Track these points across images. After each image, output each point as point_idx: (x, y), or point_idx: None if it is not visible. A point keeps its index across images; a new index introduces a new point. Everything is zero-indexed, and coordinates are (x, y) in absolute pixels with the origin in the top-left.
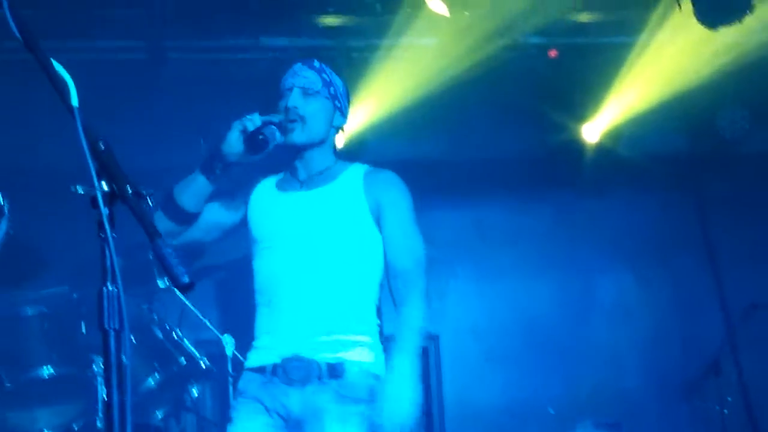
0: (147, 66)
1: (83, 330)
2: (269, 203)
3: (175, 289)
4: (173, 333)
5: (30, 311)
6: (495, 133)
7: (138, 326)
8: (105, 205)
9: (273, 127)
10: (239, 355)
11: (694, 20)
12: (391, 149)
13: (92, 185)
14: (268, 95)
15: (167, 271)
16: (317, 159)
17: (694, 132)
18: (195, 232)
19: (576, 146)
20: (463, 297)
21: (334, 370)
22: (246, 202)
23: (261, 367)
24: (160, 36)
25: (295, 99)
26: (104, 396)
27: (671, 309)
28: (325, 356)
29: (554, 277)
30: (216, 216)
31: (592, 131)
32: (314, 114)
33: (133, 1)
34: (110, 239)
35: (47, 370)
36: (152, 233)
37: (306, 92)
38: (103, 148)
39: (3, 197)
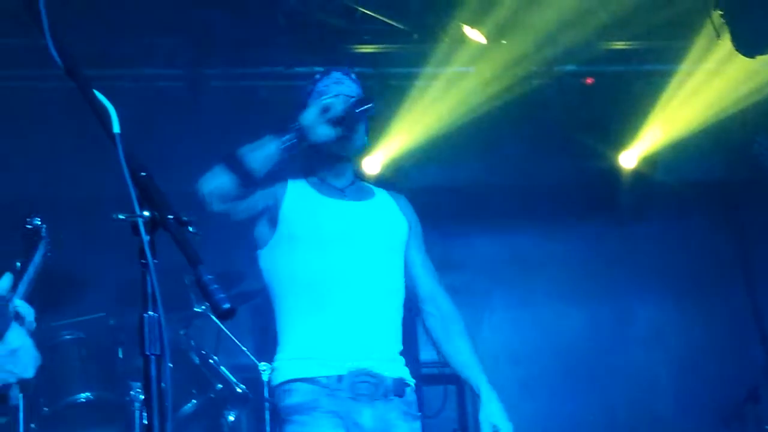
0: (186, 93)
1: (120, 356)
2: (313, 205)
3: (213, 316)
4: (210, 358)
5: (68, 337)
6: (531, 160)
7: (175, 351)
8: (146, 232)
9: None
10: None
11: (732, 48)
12: (427, 175)
13: (133, 212)
14: None
15: (208, 298)
16: (349, 171)
17: (732, 159)
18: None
19: (613, 173)
20: (498, 324)
21: (399, 388)
22: (276, 197)
23: (322, 378)
24: (200, 64)
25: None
26: (144, 421)
27: (708, 336)
28: (392, 373)
29: (591, 303)
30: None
31: (629, 158)
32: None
33: (174, 30)
34: (151, 266)
35: (84, 396)
36: (194, 260)
37: None
38: (144, 174)
39: (41, 221)
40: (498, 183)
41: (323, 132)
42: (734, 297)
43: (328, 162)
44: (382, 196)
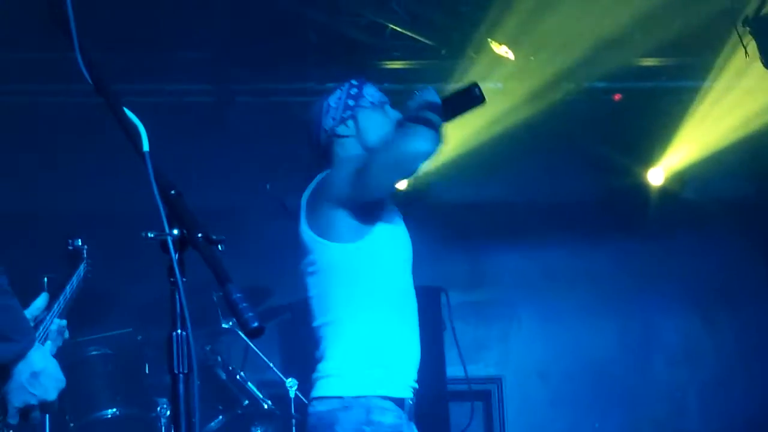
0: (214, 108)
1: (147, 371)
2: (396, 213)
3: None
4: (237, 375)
5: (95, 352)
6: (560, 177)
7: (202, 367)
8: (175, 250)
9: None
10: (302, 397)
11: (759, 65)
12: (456, 192)
13: (163, 230)
14: None
15: (237, 317)
16: None
17: (761, 176)
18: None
19: (641, 190)
20: (527, 340)
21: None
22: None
23: (402, 400)
24: (228, 79)
25: None
26: None
27: (736, 353)
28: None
29: (619, 320)
30: None
31: (658, 175)
32: None
33: (202, 45)
34: (180, 284)
35: (111, 411)
36: (223, 279)
37: None
38: (173, 192)
39: (82, 242)
40: (526, 199)
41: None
42: (762, 315)
43: None
44: None
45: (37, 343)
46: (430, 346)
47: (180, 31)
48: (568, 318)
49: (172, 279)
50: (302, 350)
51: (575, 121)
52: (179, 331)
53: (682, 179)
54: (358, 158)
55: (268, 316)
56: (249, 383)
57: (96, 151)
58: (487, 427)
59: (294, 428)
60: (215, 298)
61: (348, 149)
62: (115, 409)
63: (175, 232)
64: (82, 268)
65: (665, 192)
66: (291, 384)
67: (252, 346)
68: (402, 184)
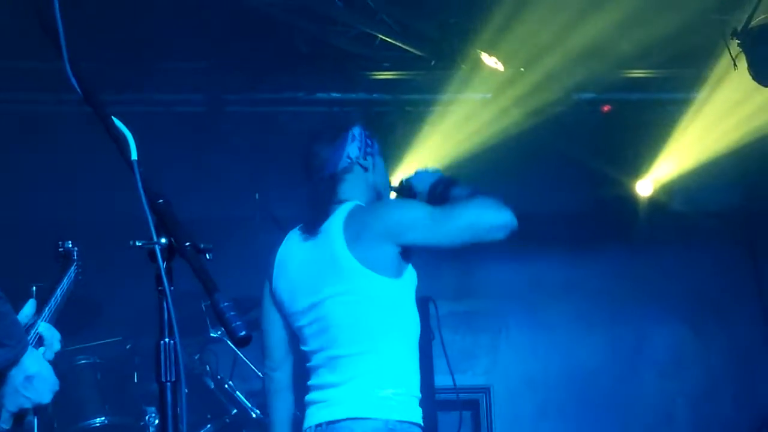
0: (205, 118)
1: (136, 380)
2: None
3: (230, 342)
4: (225, 383)
5: (83, 361)
6: (548, 187)
7: (190, 376)
8: (163, 258)
9: None
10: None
11: (748, 77)
12: None
13: (150, 239)
14: None
15: (224, 325)
16: None
17: (748, 187)
18: None
19: (629, 201)
20: (516, 350)
21: None
22: None
23: (423, 428)
24: (218, 89)
25: None
26: None
27: (724, 364)
28: None
29: (607, 331)
30: None
31: (646, 186)
32: None
33: (193, 55)
34: (168, 292)
35: (99, 420)
36: (211, 288)
37: None
38: (161, 201)
39: (72, 244)
40: (514, 210)
41: None
42: (751, 326)
43: None
44: None
45: (30, 348)
46: (419, 357)
47: (171, 41)
48: (557, 328)
49: (159, 288)
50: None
51: (564, 132)
52: (167, 339)
53: (671, 191)
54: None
55: (256, 325)
56: (237, 392)
57: (84, 161)
58: None
59: None
60: (204, 307)
61: (366, 181)
62: (103, 418)
63: (163, 240)
64: (72, 270)
65: (654, 203)
66: None
67: (240, 355)
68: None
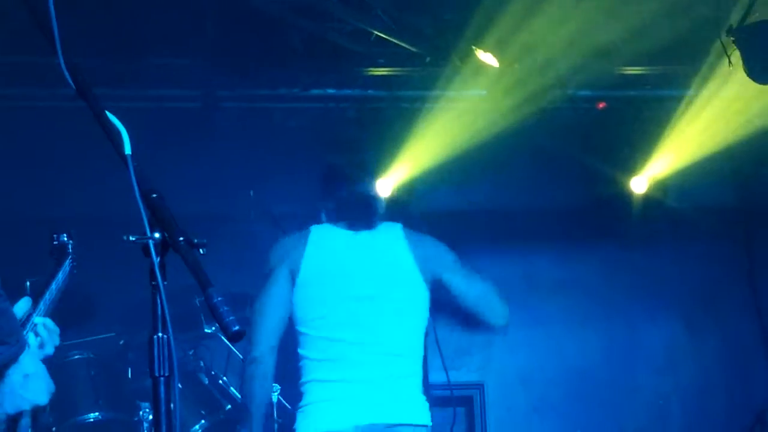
0: (200, 114)
1: (129, 376)
2: None
3: (223, 337)
4: (219, 379)
5: (77, 356)
6: (543, 184)
7: (184, 372)
8: (157, 253)
9: None
10: (285, 402)
11: (743, 74)
12: (439, 198)
13: (144, 234)
14: (319, 143)
15: (218, 320)
16: None
17: (743, 184)
18: None
19: (624, 197)
20: (510, 346)
21: None
22: None
23: None
24: (213, 85)
25: None
26: None
27: (718, 360)
28: None
29: (602, 326)
30: None
31: (640, 183)
32: None
33: (187, 51)
34: (161, 287)
35: (93, 416)
36: (204, 282)
37: None
38: (155, 196)
39: (68, 237)
40: (509, 206)
41: None
42: (744, 322)
43: None
44: None
45: (27, 348)
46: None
47: (166, 37)
48: (551, 325)
49: (153, 282)
50: (285, 356)
51: (559, 129)
52: (160, 334)
53: (665, 187)
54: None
55: (248, 321)
56: (231, 388)
57: (77, 156)
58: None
59: None
60: (198, 303)
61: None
62: (97, 413)
63: (157, 235)
64: (67, 264)
65: (648, 200)
66: (273, 389)
67: (235, 350)
68: (385, 193)
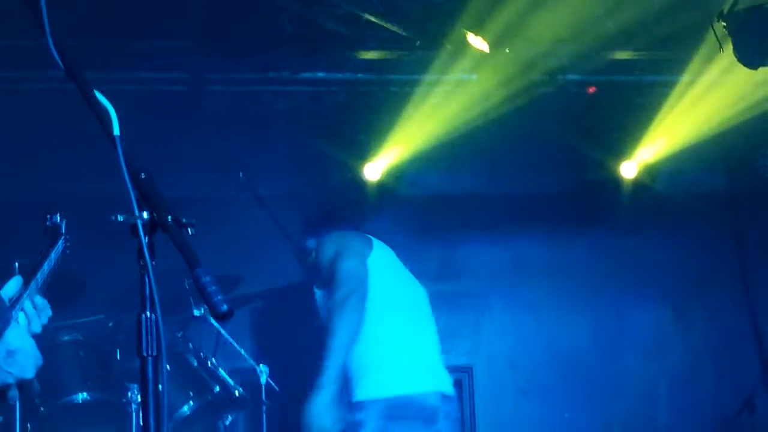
0: (188, 97)
1: (118, 357)
2: None
3: (212, 318)
4: (208, 361)
5: (66, 338)
6: (533, 169)
7: (173, 353)
8: (145, 233)
9: None
10: (273, 384)
11: (734, 60)
12: (428, 183)
13: (132, 213)
14: (308, 127)
15: (206, 300)
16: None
17: (733, 170)
18: None
19: (614, 183)
20: (498, 330)
21: None
22: None
23: None
24: (202, 68)
25: None
26: (140, 422)
27: (706, 345)
28: None
29: (590, 311)
30: None
31: (630, 168)
32: None
33: (176, 34)
34: (150, 267)
35: (82, 396)
36: (193, 262)
37: None
38: (144, 176)
39: (61, 217)
40: (499, 191)
41: None
42: (733, 308)
43: None
44: None
45: (12, 322)
46: None
47: (154, 19)
48: (540, 309)
49: (141, 262)
50: (273, 338)
51: (549, 113)
52: (148, 313)
53: (655, 172)
54: None
55: (239, 303)
56: (220, 370)
57: (67, 137)
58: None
59: (264, 414)
60: (187, 286)
61: None
62: (85, 394)
63: (145, 215)
64: (60, 244)
65: (638, 185)
66: (262, 369)
67: (223, 333)
68: (374, 176)
